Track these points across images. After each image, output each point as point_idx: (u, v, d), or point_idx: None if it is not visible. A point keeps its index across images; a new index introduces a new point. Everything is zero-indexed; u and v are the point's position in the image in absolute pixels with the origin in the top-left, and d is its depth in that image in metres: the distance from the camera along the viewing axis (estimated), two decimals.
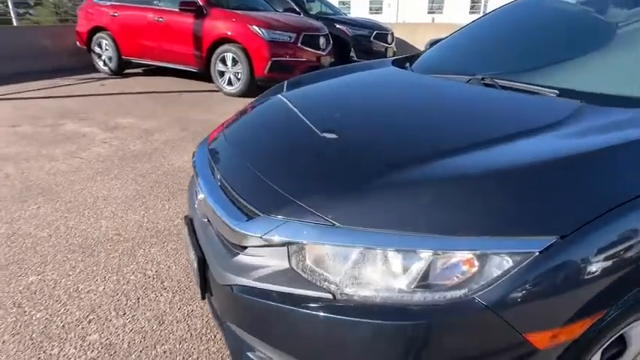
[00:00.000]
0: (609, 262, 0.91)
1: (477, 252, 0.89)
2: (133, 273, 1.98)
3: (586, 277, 0.89)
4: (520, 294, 0.87)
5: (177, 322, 1.67)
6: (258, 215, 1.05)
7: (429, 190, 0.99)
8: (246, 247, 1.08)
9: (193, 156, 1.62)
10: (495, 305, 0.86)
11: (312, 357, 1.00)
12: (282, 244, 1.00)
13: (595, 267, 0.89)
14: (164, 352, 1.52)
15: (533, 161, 1.02)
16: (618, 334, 1.05)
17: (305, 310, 0.95)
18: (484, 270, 0.89)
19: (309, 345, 0.99)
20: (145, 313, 1.71)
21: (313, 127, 1.39)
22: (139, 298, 1.80)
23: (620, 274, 0.92)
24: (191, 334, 1.61)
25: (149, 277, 1.95)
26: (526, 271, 0.87)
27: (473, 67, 1.79)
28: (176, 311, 1.73)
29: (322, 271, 0.98)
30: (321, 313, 0.94)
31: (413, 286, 0.91)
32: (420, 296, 0.90)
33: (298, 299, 0.97)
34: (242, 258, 1.08)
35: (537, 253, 0.87)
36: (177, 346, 1.55)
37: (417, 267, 0.90)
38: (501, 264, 0.88)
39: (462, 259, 0.90)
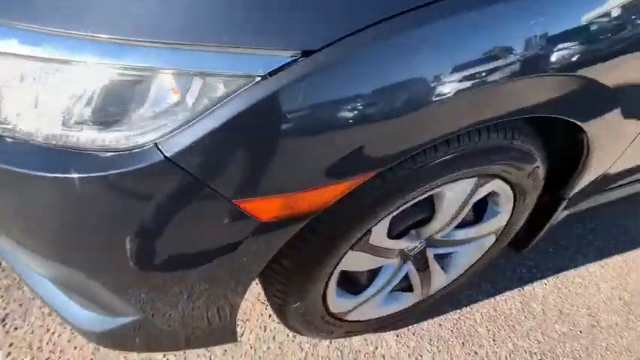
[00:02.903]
0: (386, 97, 0.61)
1: (173, 69, 0.56)
2: None
3: (341, 117, 0.60)
4: (231, 141, 0.58)
5: None
6: None
7: None
8: None
9: None
10: (187, 158, 0.57)
11: None
12: None
13: (360, 104, 0.60)
14: None
15: None
16: (413, 200, 0.83)
17: None
18: (185, 101, 0.57)
19: None
20: None
21: None
22: None
23: (404, 120, 0.63)
24: None
25: None
26: (243, 104, 0.56)
27: None
28: None
29: None
30: None
31: (73, 121, 0.58)
32: (84, 136, 0.59)
33: None
34: None
35: (260, 78, 0.55)
36: None
37: (77, 88, 0.57)
38: (211, 92, 0.56)
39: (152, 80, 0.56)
